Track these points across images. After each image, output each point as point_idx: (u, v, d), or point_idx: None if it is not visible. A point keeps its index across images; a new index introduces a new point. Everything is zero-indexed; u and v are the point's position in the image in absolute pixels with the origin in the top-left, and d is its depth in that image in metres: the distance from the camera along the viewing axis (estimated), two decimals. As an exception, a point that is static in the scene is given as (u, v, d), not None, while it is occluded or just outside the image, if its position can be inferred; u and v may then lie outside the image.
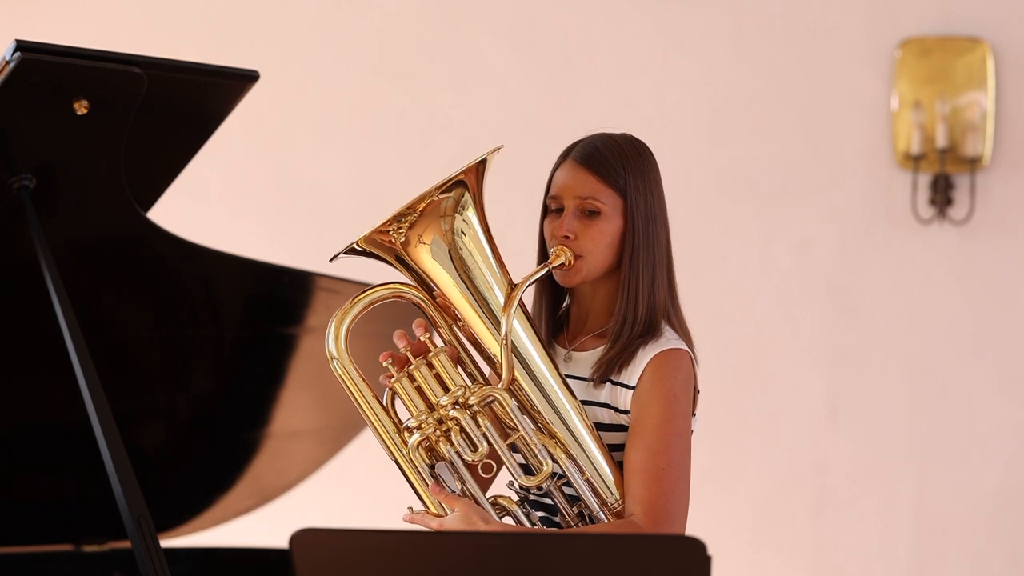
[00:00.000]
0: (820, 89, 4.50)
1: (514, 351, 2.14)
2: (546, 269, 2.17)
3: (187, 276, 3.04)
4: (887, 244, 4.48)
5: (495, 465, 2.18)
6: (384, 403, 2.17)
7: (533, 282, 2.17)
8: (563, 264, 2.17)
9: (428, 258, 2.15)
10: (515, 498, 2.19)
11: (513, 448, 2.16)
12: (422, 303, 2.18)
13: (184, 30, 4.70)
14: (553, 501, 2.18)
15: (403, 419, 2.18)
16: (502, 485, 2.22)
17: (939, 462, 4.48)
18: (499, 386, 2.13)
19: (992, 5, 4.42)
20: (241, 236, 4.46)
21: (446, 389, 2.15)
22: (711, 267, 4.52)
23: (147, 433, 3.18)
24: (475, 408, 2.14)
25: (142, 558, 2.33)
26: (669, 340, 2.18)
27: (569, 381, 2.19)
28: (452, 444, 2.14)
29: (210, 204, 4.67)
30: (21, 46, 2.40)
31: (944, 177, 4.42)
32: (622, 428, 2.17)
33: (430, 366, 2.16)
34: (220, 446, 3.36)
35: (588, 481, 2.15)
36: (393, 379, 2.16)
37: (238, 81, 2.73)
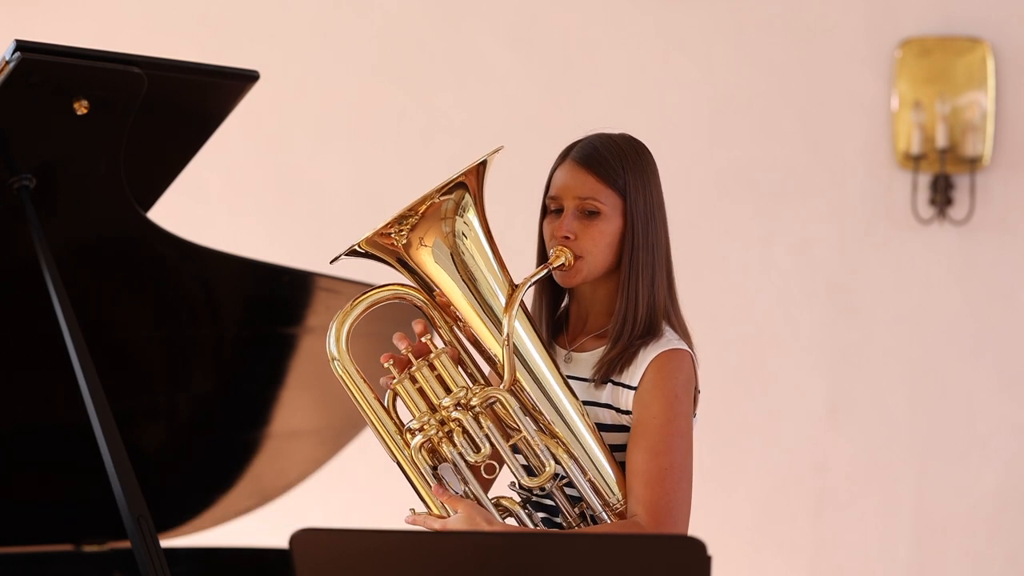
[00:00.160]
0: (820, 89, 4.50)
1: (516, 352, 2.14)
2: (546, 270, 2.17)
3: (187, 276, 3.04)
4: (887, 244, 4.48)
5: (497, 466, 2.18)
6: (385, 404, 2.17)
7: (534, 283, 2.17)
8: (563, 264, 2.17)
9: (430, 260, 2.15)
10: (517, 499, 2.19)
11: (515, 449, 2.16)
12: (423, 304, 2.18)
13: (184, 30, 4.71)
14: (555, 502, 2.18)
15: (404, 420, 2.18)
16: (503, 486, 2.22)
17: (939, 462, 4.48)
18: (501, 387, 2.13)
19: (992, 5, 4.42)
20: (241, 236, 4.46)
21: (448, 390, 2.15)
22: (711, 267, 4.52)
23: (147, 433, 3.18)
24: (477, 409, 2.14)
25: (142, 558, 2.33)
26: (670, 340, 2.18)
27: (570, 382, 2.19)
28: (455, 445, 2.14)
29: (210, 204, 4.67)
30: (21, 46, 2.40)
31: (944, 177, 4.42)
32: (624, 428, 2.17)
33: (431, 367, 2.16)
34: (220, 446, 3.36)
35: (590, 481, 2.15)
36: (395, 380, 2.16)
37: (238, 81, 2.73)
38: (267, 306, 3.24)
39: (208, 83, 2.72)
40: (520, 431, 2.14)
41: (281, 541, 1.96)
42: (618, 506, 2.15)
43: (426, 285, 2.17)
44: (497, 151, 2.16)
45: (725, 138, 4.54)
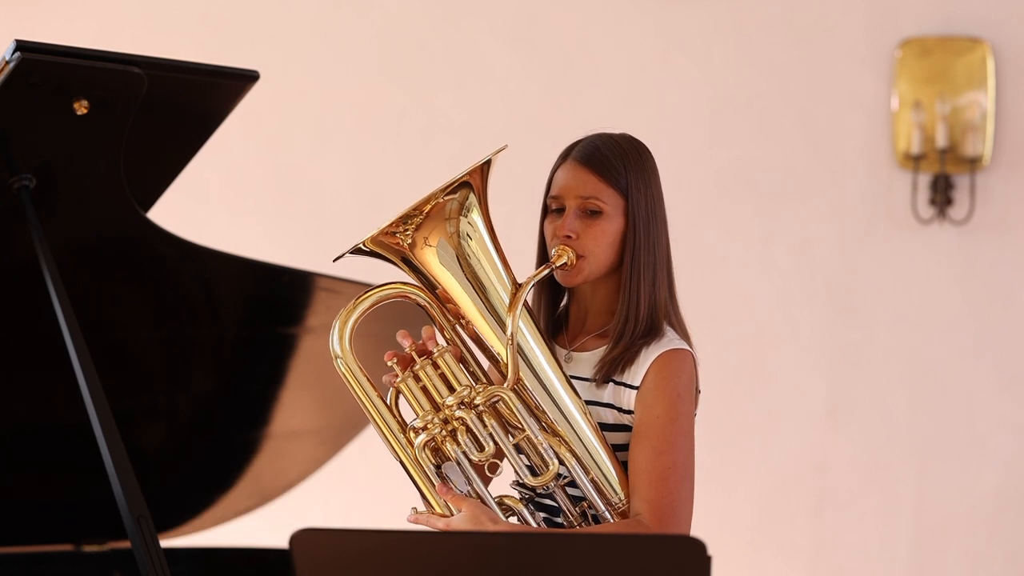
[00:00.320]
0: (820, 89, 4.50)
1: (519, 351, 2.14)
2: (549, 269, 2.17)
3: (187, 276, 3.04)
4: (887, 244, 4.48)
5: (501, 465, 2.18)
6: (388, 403, 2.17)
7: (537, 282, 2.17)
8: (565, 264, 2.17)
9: (434, 260, 2.15)
10: (518, 497, 2.19)
11: (518, 448, 2.16)
12: (427, 303, 2.19)
13: (184, 30, 4.71)
14: (556, 501, 2.18)
15: (407, 419, 2.18)
16: (504, 485, 2.22)
17: (939, 462, 4.48)
18: (504, 386, 2.13)
19: (992, 5, 4.42)
20: (241, 236, 4.46)
21: (451, 389, 2.16)
22: (711, 267, 4.52)
23: (147, 433, 3.18)
24: (481, 408, 2.14)
25: (142, 558, 2.33)
26: (672, 340, 2.18)
27: (572, 381, 2.19)
28: (459, 444, 2.14)
29: (210, 204, 4.67)
30: (21, 46, 2.40)
31: (944, 177, 4.42)
32: (626, 428, 2.17)
33: (435, 366, 2.16)
34: (220, 446, 3.36)
35: (593, 480, 2.15)
36: (398, 379, 2.16)
37: (238, 81, 2.73)
38: (267, 306, 3.24)
39: (208, 83, 2.72)
40: (523, 430, 2.14)
41: (281, 541, 1.96)
42: (620, 505, 2.15)
43: (430, 284, 2.17)
44: (501, 150, 2.16)
45: (725, 138, 4.54)
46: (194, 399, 3.25)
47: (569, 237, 2.18)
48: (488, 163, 2.16)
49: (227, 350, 3.24)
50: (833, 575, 4.55)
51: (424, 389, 2.16)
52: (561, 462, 2.14)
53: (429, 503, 2.16)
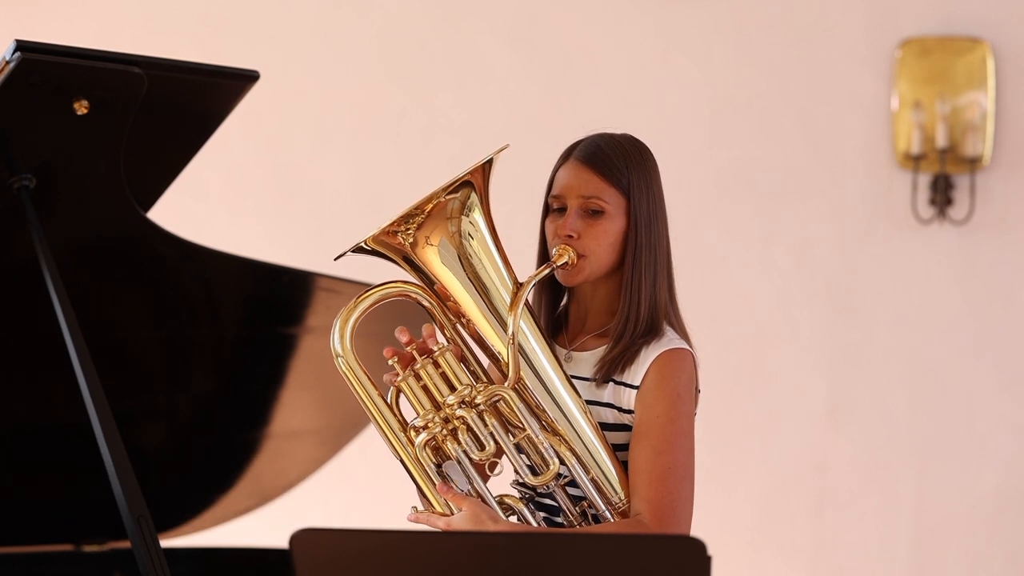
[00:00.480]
0: (820, 89, 4.50)
1: (520, 350, 2.14)
2: (550, 268, 2.17)
3: (187, 276, 3.04)
4: (887, 244, 4.48)
5: (501, 464, 2.18)
6: (389, 401, 2.18)
7: (538, 281, 2.18)
8: (567, 263, 2.17)
9: (436, 259, 2.15)
10: (518, 496, 2.19)
11: (519, 448, 2.17)
12: (427, 302, 2.19)
13: (184, 30, 4.70)
14: (557, 501, 2.18)
15: (407, 418, 2.18)
16: (504, 484, 2.22)
17: (939, 462, 4.48)
18: (505, 385, 2.13)
19: (992, 5, 4.42)
20: (241, 236, 4.46)
21: (452, 388, 2.16)
22: (711, 267, 4.52)
23: (147, 433, 3.18)
24: (481, 407, 2.14)
25: (142, 558, 2.33)
26: (672, 340, 2.18)
27: (573, 381, 2.19)
28: (459, 443, 2.14)
29: (210, 204, 4.67)
30: (21, 46, 2.40)
31: (944, 177, 4.42)
32: (626, 428, 2.17)
33: (436, 365, 2.16)
34: (220, 446, 3.36)
35: (593, 480, 2.15)
36: (399, 378, 2.16)
37: (238, 81, 2.73)
38: (267, 306, 3.24)
39: (208, 83, 2.72)
40: (524, 429, 2.14)
41: (281, 541, 1.96)
42: (621, 505, 2.15)
43: (431, 283, 2.18)
44: (503, 149, 2.16)
45: (725, 138, 4.54)
46: (194, 399, 3.25)
47: (570, 237, 2.18)
48: (490, 162, 2.16)
49: (227, 350, 3.24)
50: (833, 575, 4.55)
51: (425, 388, 2.17)
52: (562, 461, 2.15)
53: (429, 502, 2.16)
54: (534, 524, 2.17)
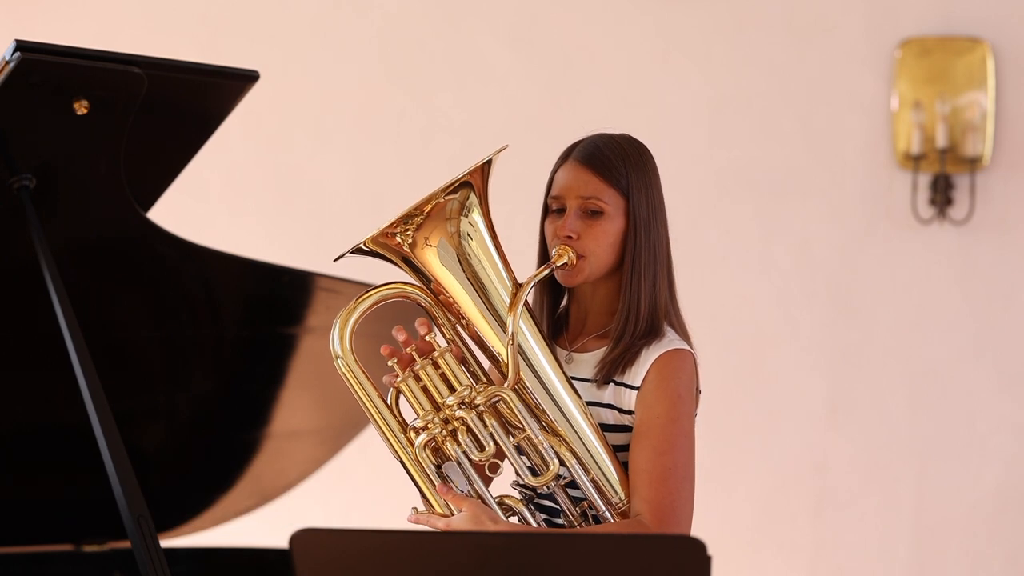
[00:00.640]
0: (820, 89, 4.50)
1: (519, 351, 2.14)
2: (549, 269, 2.17)
3: (187, 276, 3.04)
4: (887, 244, 4.48)
5: (501, 465, 2.19)
6: (389, 402, 2.18)
7: (537, 282, 2.18)
8: (566, 264, 2.17)
9: (435, 260, 2.15)
10: (519, 497, 2.19)
11: (519, 448, 2.17)
12: (427, 303, 2.19)
13: (184, 30, 4.70)
14: (557, 502, 2.18)
15: (407, 419, 2.18)
16: (504, 485, 2.22)
17: (939, 462, 4.48)
18: (505, 386, 2.13)
19: (992, 5, 4.42)
20: (241, 236, 4.46)
21: (452, 389, 2.16)
22: (711, 267, 4.52)
23: (147, 433, 3.18)
24: (481, 408, 2.14)
25: (142, 558, 2.33)
26: (672, 340, 2.18)
27: (573, 381, 2.19)
28: (459, 444, 2.14)
29: (210, 204, 4.67)
30: (21, 46, 2.40)
31: (944, 177, 4.42)
32: (626, 429, 2.17)
33: (435, 365, 2.16)
34: (220, 446, 3.36)
35: (593, 480, 2.15)
36: (399, 379, 2.16)
37: (238, 81, 2.73)
38: (267, 306, 3.24)
39: (208, 83, 2.72)
40: (524, 430, 2.14)
41: (281, 541, 1.96)
42: (621, 505, 2.15)
43: (430, 284, 2.17)
44: (502, 150, 2.16)
45: (725, 138, 4.54)
46: (194, 399, 3.25)
47: (570, 237, 2.18)
48: (489, 163, 2.16)
49: (227, 350, 3.24)
50: (833, 575, 4.55)
51: (424, 389, 2.17)
52: (562, 462, 2.15)
53: (429, 503, 2.16)
54: (534, 525, 2.17)
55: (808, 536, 4.55)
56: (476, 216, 2.16)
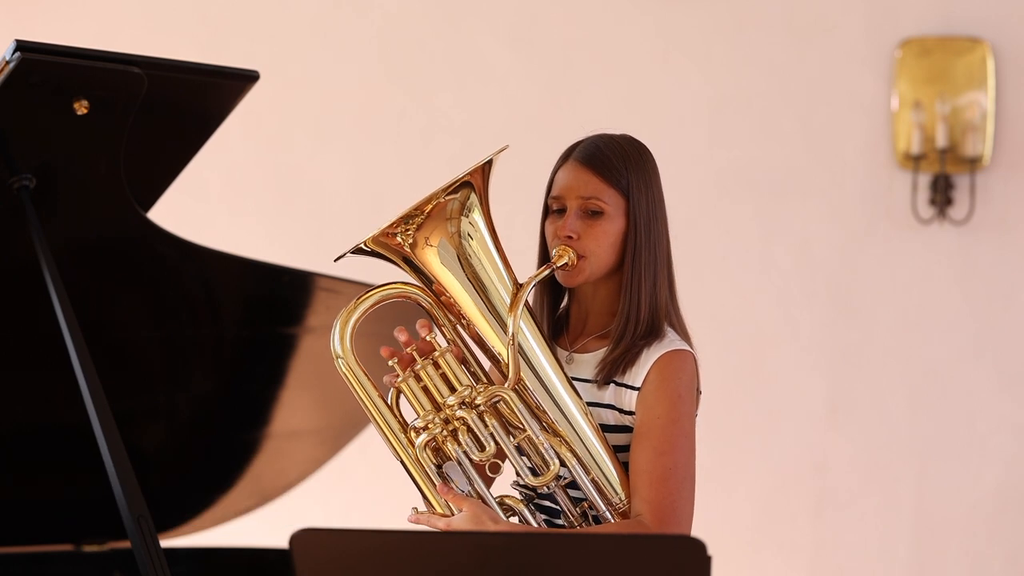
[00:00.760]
0: (820, 89, 4.50)
1: (520, 351, 2.14)
2: (550, 269, 2.17)
3: (187, 276, 3.04)
4: (887, 244, 4.48)
5: (502, 465, 2.19)
6: (389, 402, 2.18)
7: (538, 282, 2.18)
8: (567, 264, 2.17)
9: (436, 260, 2.15)
10: (519, 497, 2.19)
11: (519, 448, 2.16)
12: (428, 303, 2.19)
13: (184, 30, 4.71)
14: (557, 502, 2.18)
15: (408, 419, 2.18)
16: (505, 486, 2.22)
17: (939, 462, 4.48)
18: (505, 386, 2.13)
19: (992, 5, 4.42)
20: (241, 236, 4.46)
21: (452, 389, 2.16)
22: (711, 267, 4.52)
23: (147, 433, 3.18)
24: (482, 408, 2.14)
25: (142, 558, 2.33)
26: (673, 341, 2.18)
27: (574, 382, 2.19)
28: (460, 444, 2.14)
29: (210, 204, 4.67)
30: (21, 46, 2.40)
31: (944, 177, 4.42)
32: (627, 429, 2.17)
33: (436, 366, 2.16)
34: (220, 446, 3.36)
35: (594, 481, 2.15)
36: (399, 379, 2.16)
37: (238, 81, 2.73)
38: (267, 306, 3.24)
39: (208, 83, 2.72)
40: (524, 430, 2.14)
41: (281, 541, 1.96)
42: (621, 505, 2.15)
43: (431, 284, 2.17)
44: (502, 150, 2.16)
45: (725, 138, 4.54)
46: (194, 399, 3.25)
47: (570, 237, 2.18)
48: (489, 163, 2.16)
49: (227, 350, 3.24)
50: (833, 575, 4.55)
51: (425, 389, 2.17)
52: (562, 462, 2.15)
53: (430, 503, 2.16)
54: (534, 525, 2.17)
55: (808, 536, 4.55)
56: (477, 216, 2.16)
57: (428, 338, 2.18)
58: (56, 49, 2.46)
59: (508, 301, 2.15)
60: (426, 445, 2.14)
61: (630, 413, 2.17)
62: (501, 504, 2.16)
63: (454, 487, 2.14)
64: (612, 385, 2.18)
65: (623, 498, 2.15)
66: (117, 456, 2.38)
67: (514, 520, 2.17)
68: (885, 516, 4.51)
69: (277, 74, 4.47)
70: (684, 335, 2.22)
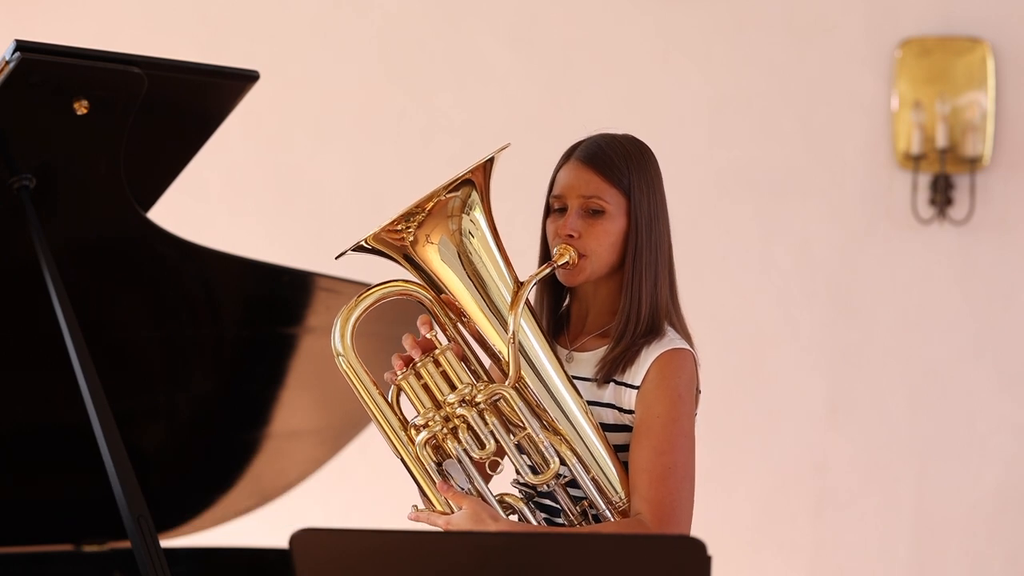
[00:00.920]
0: (820, 89, 4.50)
1: (520, 349, 2.14)
2: (551, 268, 2.17)
3: (187, 276, 3.04)
4: (887, 244, 4.48)
5: (502, 463, 2.19)
6: (390, 400, 2.18)
7: (539, 280, 2.18)
8: (568, 263, 2.17)
9: (436, 258, 2.15)
10: (519, 495, 2.19)
11: (519, 447, 2.16)
12: (428, 301, 2.19)
13: (184, 30, 4.71)
14: (557, 501, 2.18)
15: (408, 417, 2.18)
16: (505, 484, 2.22)
17: (939, 462, 4.48)
18: (506, 384, 2.13)
19: (992, 5, 4.42)
20: (241, 236, 4.46)
21: (452, 387, 2.16)
22: (711, 267, 4.52)
23: (147, 433, 3.18)
24: (482, 406, 2.14)
25: (142, 558, 2.33)
26: (672, 340, 2.18)
27: (574, 380, 2.19)
28: (460, 442, 2.14)
29: (210, 204, 4.67)
30: (21, 46, 2.40)
31: (944, 177, 4.42)
32: (626, 428, 2.17)
33: (436, 363, 2.16)
34: (220, 446, 3.36)
35: (594, 479, 2.15)
36: (399, 377, 2.16)
37: (238, 81, 2.73)
38: (267, 306, 3.24)
39: (208, 83, 2.72)
40: (524, 428, 2.14)
41: (281, 541, 1.96)
42: (621, 504, 2.15)
43: (432, 282, 2.18)
44: (504, 148, 2.16)
45: (725, 138, 4.54)
46: (194, 399, 3.25)
47: (571, 236, 2.18)
48: (491, 161, 2.16)
49: (227, 350, 3.24)
50: (833, 575, 4.55)
51: (425, 387, 2.17)
52: (562, 461, 2.15)
53: (430, 501, 2.16)
54: (534, 523, 2.17)
55: (808, 536, 4.55)
56: (478, 214, 2.16)
57: (428, 336, 2.18)
58: (56, 49, 2.46)
59: (509, 299, 2.15)
60: (426, 443, 2.14)
61: (630, 412, 2.17)
62: (501, 502, 2.16)
63: (454, 485, 2.14)
64: (612, 384, 2.18)
65: (623, 497, 2.15)
66: (117, 456, 2.38)
67: (514, 518, 2.17)
68: (885, 516, 4.51)
69: (277, 74, 4.47)
70: (685, 335, 2.22)
